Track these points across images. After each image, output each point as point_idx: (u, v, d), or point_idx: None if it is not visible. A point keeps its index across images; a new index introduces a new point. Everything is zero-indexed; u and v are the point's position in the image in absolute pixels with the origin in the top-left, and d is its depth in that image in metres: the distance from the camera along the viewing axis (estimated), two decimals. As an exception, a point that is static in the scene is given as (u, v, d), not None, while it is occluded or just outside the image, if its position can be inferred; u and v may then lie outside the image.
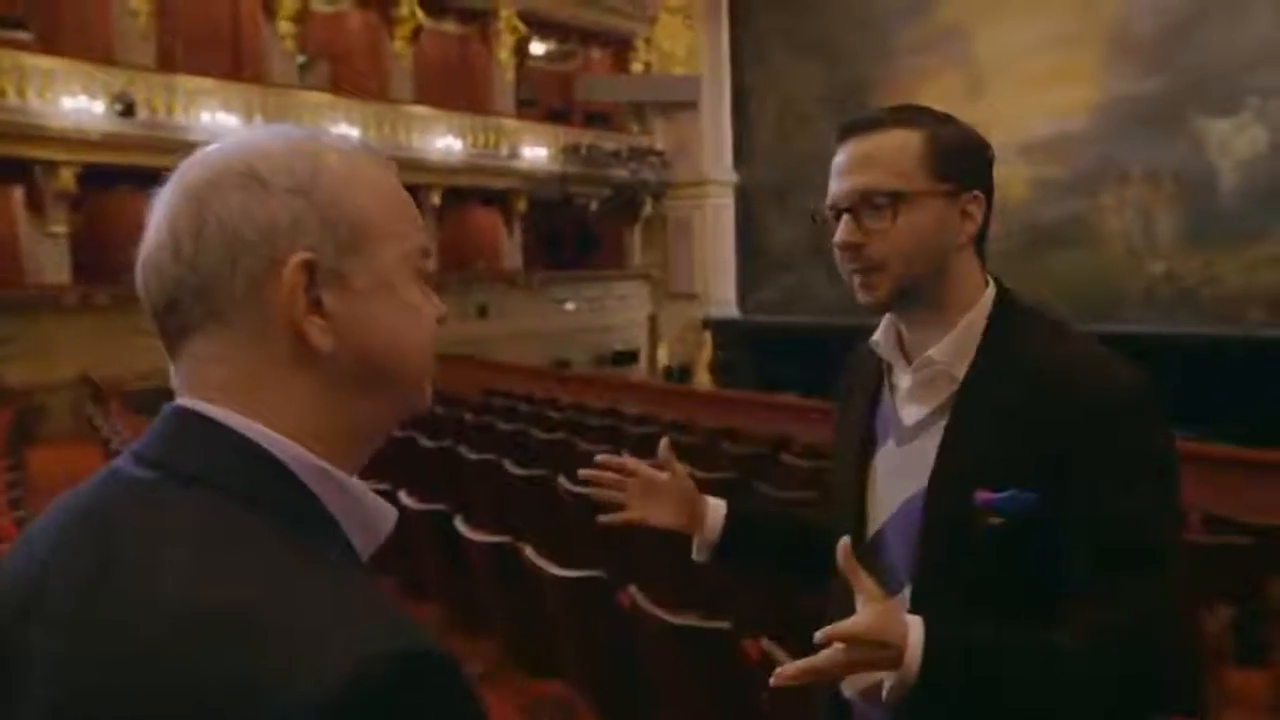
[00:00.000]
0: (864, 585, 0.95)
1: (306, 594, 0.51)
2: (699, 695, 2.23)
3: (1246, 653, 2.92)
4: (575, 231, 16.98)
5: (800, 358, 13.83)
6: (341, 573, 0.55)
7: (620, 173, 16.02)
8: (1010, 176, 11.68)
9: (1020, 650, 0.96)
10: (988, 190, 1.09)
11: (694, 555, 1.33)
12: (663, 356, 16.63)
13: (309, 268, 0.59)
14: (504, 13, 14.92)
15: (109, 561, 0.54)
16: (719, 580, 3.24)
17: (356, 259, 0.61)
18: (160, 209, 0.61)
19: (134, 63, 11.07)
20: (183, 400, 0.61)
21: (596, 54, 17.35)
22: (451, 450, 4.93)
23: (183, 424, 0.59)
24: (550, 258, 16.49)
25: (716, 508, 1.31)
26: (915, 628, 0.94)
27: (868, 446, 1.17)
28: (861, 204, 1.07)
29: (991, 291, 1.12)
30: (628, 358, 16.27)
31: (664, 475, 1.30)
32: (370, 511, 0.63)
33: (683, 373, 15.87)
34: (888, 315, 1.15)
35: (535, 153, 15.18)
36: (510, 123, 15.12)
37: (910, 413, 1.12)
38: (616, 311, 16.62)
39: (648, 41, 16.89)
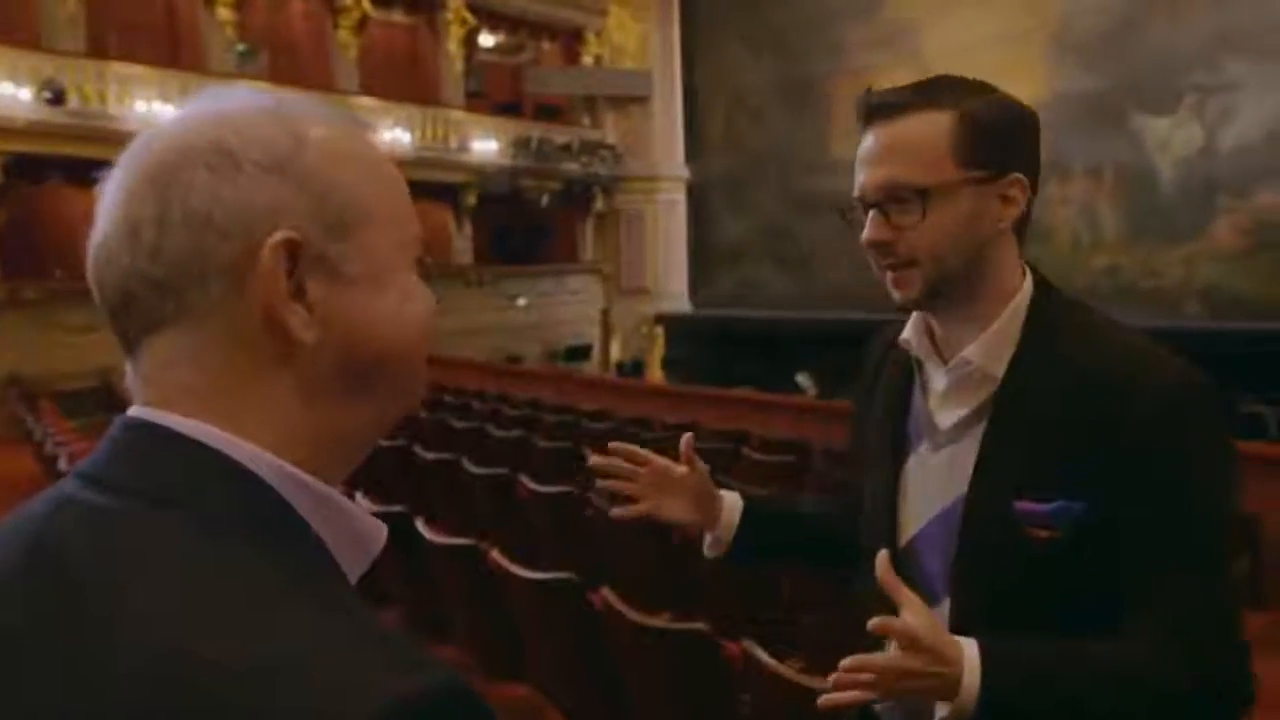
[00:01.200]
0: (908, 599, 0.89)
1: (316, 634, 0.43)
2: (675, 698, 2.18)
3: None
4: (526, 226, 16.83)
5: (753, 352, 13.92)
6: (344, 604, 0.47)
7: (571, 167, 15.91)
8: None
9: (1083, 666, 0.90)
10: (1032, 168, 1.01)
11: (705, 551, 1.27)
12: (615, 352, 16.57)
13: (291, 248, 0.51)
14: (453, 3, 14.71)
15: (74, 614, 0.44)
16: (690, 579, 3.20)
17: (347, 243, 0.54)
18: (113, 193, 0.53)
19: (63, 49, 10.65)
20: (140, 410, 0.52)
21: (547, 46, 17.20)
22: (407, 450, 4.80)
23: (144, 440, 0.51)
24: (501, 253, 16.32)
25: (732, 507, 1.24)
26: (970, 647, 0.88)
27: (899, 450, 1.09)
28: (888, 199, 0.99)
29: (1030, 283, 1.03)
30: (580, 353, 16.19)
31: (681, 469, 1.22)
32: (360, 531, 0.55)
33: (635, 367, 15.83)
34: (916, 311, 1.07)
35: (485, 146, 14.99)
36: (459, 115, 14.90)
37: (946, 416, 1.05)
38: (568, 307, 16.52)
39: (598, 34, 16.80)
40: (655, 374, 15.62)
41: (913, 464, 1.08)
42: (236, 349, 0.51)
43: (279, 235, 0.51)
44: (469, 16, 14.96)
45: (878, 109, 1.00)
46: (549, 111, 16.90)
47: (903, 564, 1.06)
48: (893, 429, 1.11)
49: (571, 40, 16.90)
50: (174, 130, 0.53)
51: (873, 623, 0.87)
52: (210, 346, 0.51)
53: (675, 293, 16.95)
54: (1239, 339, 10.42)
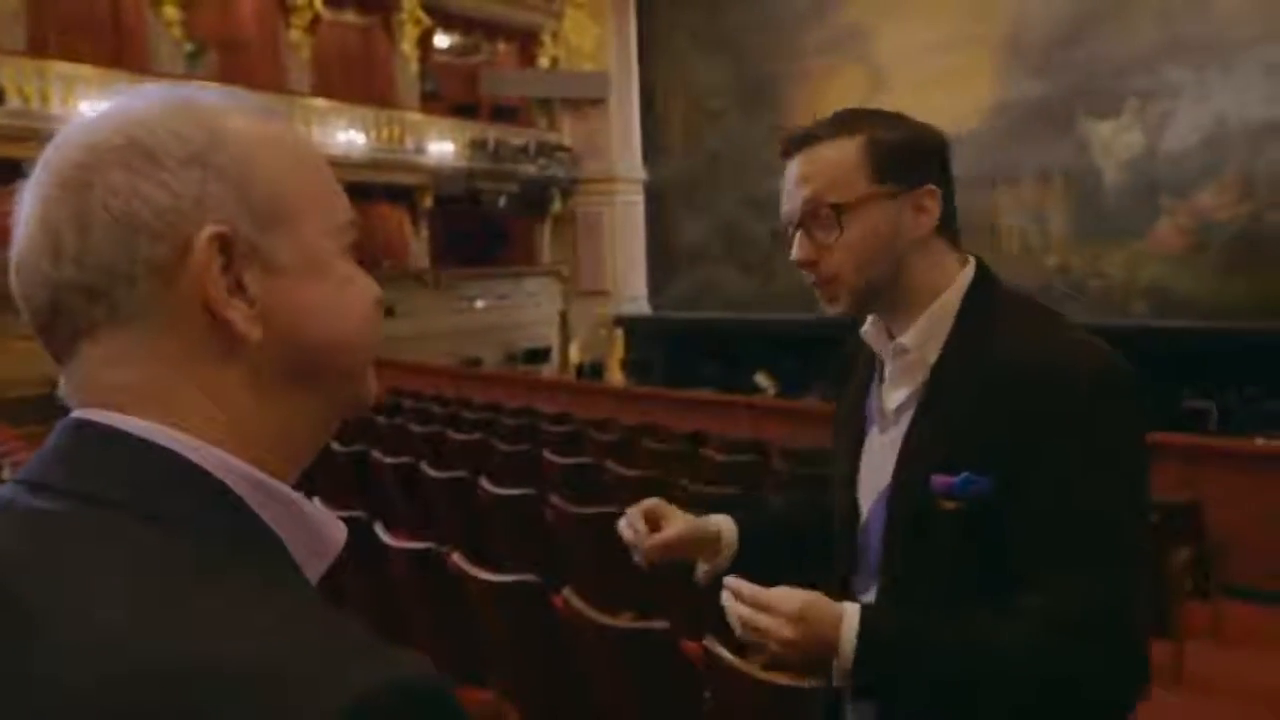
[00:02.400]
0: (770, 593, 0.98)
1: (278, 632, 0.42)
2: (637, 698, 2.18)
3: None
4: (483, 228, 16.72)
5: (712, 352, 14.00)
6: (303, 601, 0.46)
7: (529, 169, 15.85)
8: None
9: (965, 642, 0.96)
10: (942, 181, 1.08)
11: (696, 577, 1.31)
12: (574, 354, 16.54)
13: (223, 242, 0.50)
14: (407, 4, 14.56)
15: (14, 626, 0.42)
16: (650, 579, 3.21)
17: (278, 232, 0.52)
18: (30, 201, 0.51)
19: (3, 47, 10.34)
20: (83, 411, 0.50)
21: (503, 47, 17.11)
22: (364, 454, 4.75)
23: (89, 440, 0.49)
24: (458, 255, 16.19)
25: (729, 540, 1.27)
26: (851, 612, 0.97)
27: (859, 435, 1.17)
28: (809, 219, 1.08)
29: (968, 274, 1.10)
30: (539, 355, 16.12)
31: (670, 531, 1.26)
32: (317, 529, 0.54)
33: (595, 370, 15.82)
34: None
35: (441, 148, 14.86)
36: (415, 117, 14.75)
37: (892, 399, 1.12)
38: (527, 309, 16.44)
39: (555, 36, 16.75)
40: (615, 376, 15.62)
41: (866, 446, 1.16)
42: (177, 348, 0.50)
43: (209, 230, 0.49)
44: (424, 17, 14.83)
45: (795, 142, 1.10)
46: (505, 113, 16.81)
47: (859, 547, 1.14)
48: (856, 415, 1.19)
49: (528, 41, 16.84)
50: (85, 132, 0.52)
51: (729, 580, 1.00)
52: (147, 346, 0.50)
53: (634, 294, 16.96)
54: (1182, 337, 10.74)
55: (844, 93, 14.04)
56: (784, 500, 1.51)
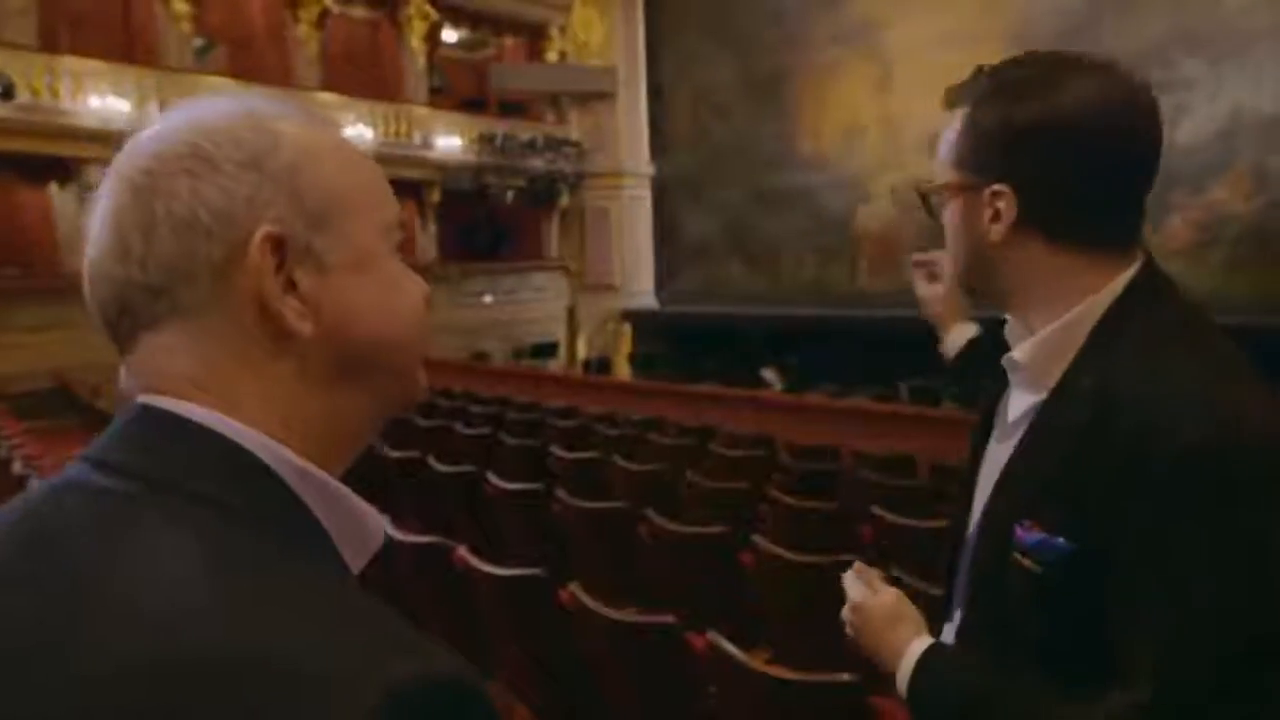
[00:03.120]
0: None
1: (322, 626, 0.43)
2: (643, 691, 2.19)
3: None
4: (491, 223, 16.73)
5: (719, 347, 13.97)
6: (346, 594, 0.48)
7: (536, 163, 15.84)
8: (920, 170, 12.01)
9: (1008, 707, 0.87)
10: (1028, 179, 0.89)
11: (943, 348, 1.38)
12: (582, 348, 16.54)
13: (277, 243, 0.53)
14: (414, -2, 14.56)
15: (74, 595, 0.44)
16: (655, 574, 3.21)
17: (329, 233, 0.55)
18: (100, 207, 0.54)
19: (12, 41, 10.36)
20: (147, 397, 0.53)
21: (510, 42, 17.10)
22: (371, 448, 4.75)
23: (153, 423, 0.52)
24: (465, 250, 16.21)
25: (966, 327, 1.35)
26: (920, 642, 0.95)
27: (984, 438, 1.05)
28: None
29: (1120, 283, 0.90)
30: (546, 350, 16.13)
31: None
32: (361, 522, 0.56)
33: (602, 364, 15.82)
34: None
35: (449, 142, 14.86)
36: (422, 111, 14.76)
37: (1011, 409, 0.98)
38: (534, 303, 16.45)
39: (562, 30, 16.72)
40: (622, 370, 15.62)
41: (987, 454, 1.04)
42: (233, 341, 0.53)
43: (263, 230, 0.52)
44: (431, 12, 14.82)
45: (947, 100, 0.98)
46: (513, 108, 16.80)
47: (960, 557, 1.04)
48: (986, 414, 1.07)
49: (535, 36, 16.81)
50: (152, 141, 0.55)
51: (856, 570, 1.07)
52: (207, 339, 0.53)
53: (641, 289, 16.95)
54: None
55: (853, 85, 13.99)
56: None
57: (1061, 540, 0.83)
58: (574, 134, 16.77)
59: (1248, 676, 0.76)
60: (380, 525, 0.58)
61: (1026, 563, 0.86)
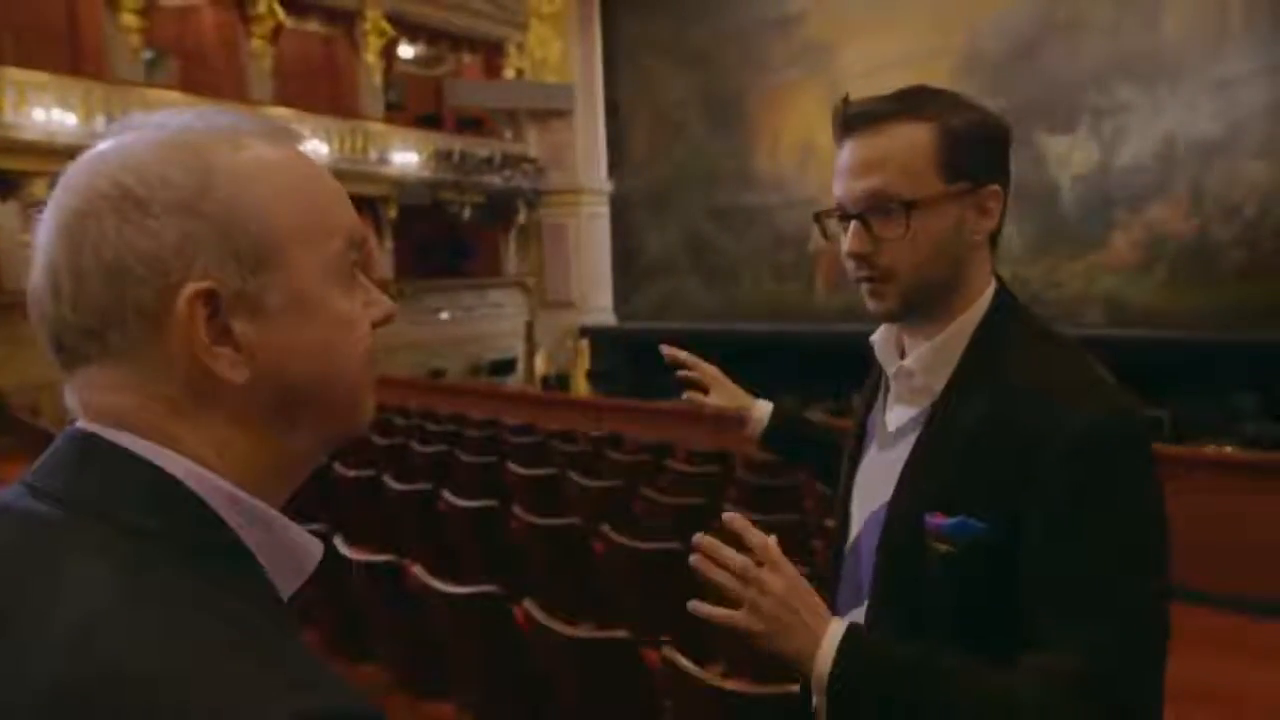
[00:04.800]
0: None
1: (213, 652, 0.43)
2: (599, 707, 2.19)
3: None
4: (448, 239, 16.64)
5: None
6: (260, 627, 0.48)
7: (494, 180, 15.81)
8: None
9: (952, 683, 0.87)
10: (1006, 178, 1.00)
11: (748, 434, 1.50)
12: (540, 365, 16.49)
13: (208, 296, 0.51)
14: (370, 14, 14.48)
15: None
16: (610, 590, 3.21)
17: (267, 274, 0.53)
18: (40, 238, 0.53)
19: (-46, 53, 10.13)
20: (85, 424, 0.53)
21: (467, 59, 17.08)
22: (326, 466, 4.70)
23: (85, 450, 0.51)
24: (422, 266, 16.10)
25: (764, 405, 1.49)
26: (838, 623, 0.91)
27: (858, 448, 1.12)
28: (872, 210, 0.97)
29: (989, 294, 1.01)
30: (505, 367, 16.06)
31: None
32: (294, 548, 0.56)
33: (561, 381, 15.79)
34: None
35: (405, 158, 14.78)
36: (378, 127, 14.67)
37: (893, 418, 1.05)
38: (492, 320, 16.38)
39: (519, 47, 16.76)
40: (580, 387, 15.60)
41: (864, 462, 1.10)
42: (165, 385, 0.52)
43: (193, 287, 0.51)
44: (387, 27, 14.76)
45: (858, 119, 0.99)
46: (470, 124, 16.77)
47: (847, 563, 1.09)
48: (858, 426, 1.13)
49: (492, 53, 16.82)
50: (83, 174, 0.53)
51: (728, 517, 0.95)
52: (138, 381, 0.52)
53: (600, 305, 16.97)
54: (1135, 346, 10.97)
55: (809, 104, 14.21)
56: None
57: (974, 521, 0.92)
58: (532, 151, 16.79)
59: (1160, 623, 0.86)
60: (314, 550, 0.58)
61: (941, 547, 0.93)
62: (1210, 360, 10.41)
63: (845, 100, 1.02)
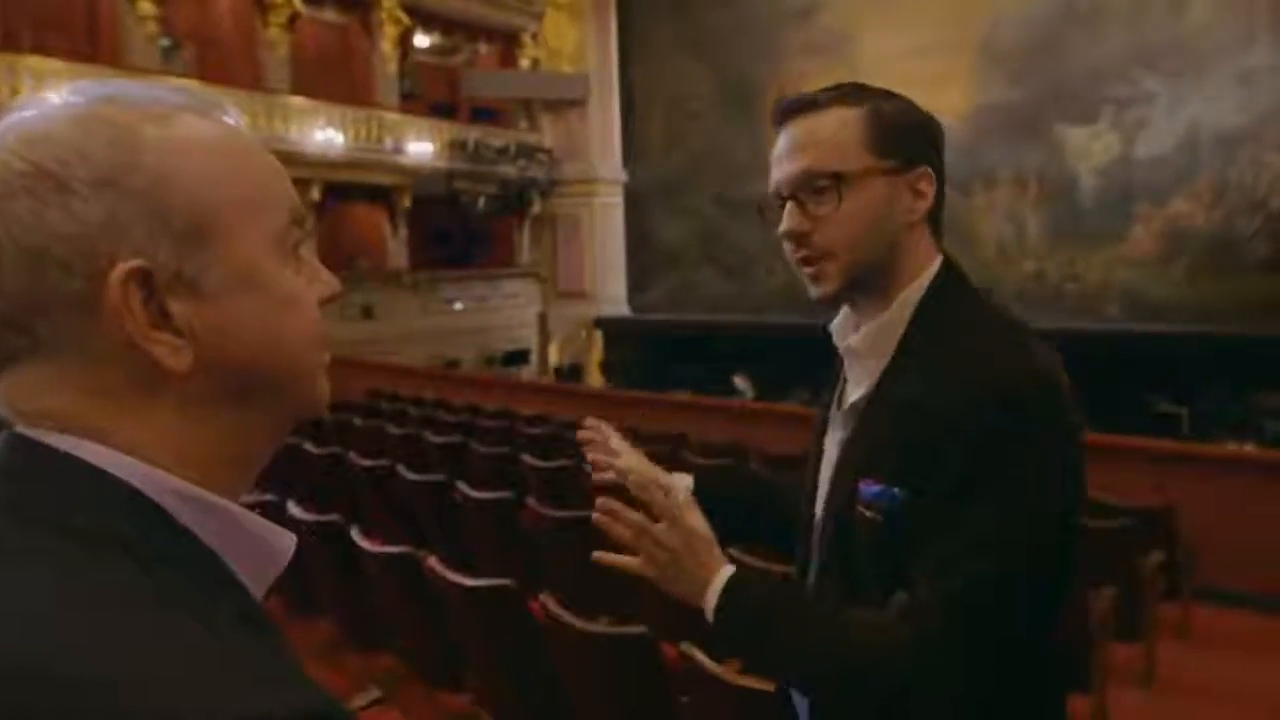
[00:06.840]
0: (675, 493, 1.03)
1: (167, 652, 0.41)
2: (614, 703, 2.17)
3: (1124, 629, 3.10)
4: (462, 229, 16.65)
5: (690, 355, 14.00)
6: (212, 625, 0.45)
7: (508, 170, 15.80)
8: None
9: (818, 624, 0.97)
10: (937, 166, 1.05)
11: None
12: (553, 356, 16.50)
13: (142, 277, 0.47)
14: (386, 3, 14.48)
15: None
16: (627, 584, 3.20)
17: (205, 251, 0.49)
18: None
19: (-28, 42, 10.19)
20: (21, 427, 0.49)
21: (483, 49, 17.05)
22: (341, 456, 4.70)
23: (22, 453, 0.48)
24: (436, 256, 16.12)
25: (682, 477, 1.34)
26: (727, 568, 0.99)
27: (823, 429, 1.16)
28: (804, 188, 1.02)
29: (932, 272, 1.05)
30: (518, 357, 16.07)
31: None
32: (259, 540, 0.53)
33: (574, 372, 15.79)
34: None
35: (420, 148, 14.78)
36: (393, 116, 14.67)
37: (849, 398, 1.10)
38: (505, 311, 16.39)
39: (535, 37, 16.72)
40: (593, 378, 15.60)
41: (827, 443, 1.14)
42: (101, 377, 0.48)
43: (124, 267, 0.47)
44: (403, 17, 14.75)
45: (790, 109, 1.05)
46: (485, 114, 16.75)
47: (813, 546, 1.14)
48: (824, 408, 1.18)
49: (508, 43, 16.79)
50: None
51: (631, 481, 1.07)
52: (73, 377, 0.48)
53: (613, 296, 16.95)
54: (1155, 340, 10.87)
55: (823, 97, 14.10)
56: (769, 481, 1.50)
57: (896, 490, 0.96)
58: (546, 141, 16.76)
59: (1032, 553, 0.93)
60: (285, 540, 0.54)
61: (869, 514, 0.99)
62: (1231, 356, 10.29)
63: (781, 98, 1.08)
